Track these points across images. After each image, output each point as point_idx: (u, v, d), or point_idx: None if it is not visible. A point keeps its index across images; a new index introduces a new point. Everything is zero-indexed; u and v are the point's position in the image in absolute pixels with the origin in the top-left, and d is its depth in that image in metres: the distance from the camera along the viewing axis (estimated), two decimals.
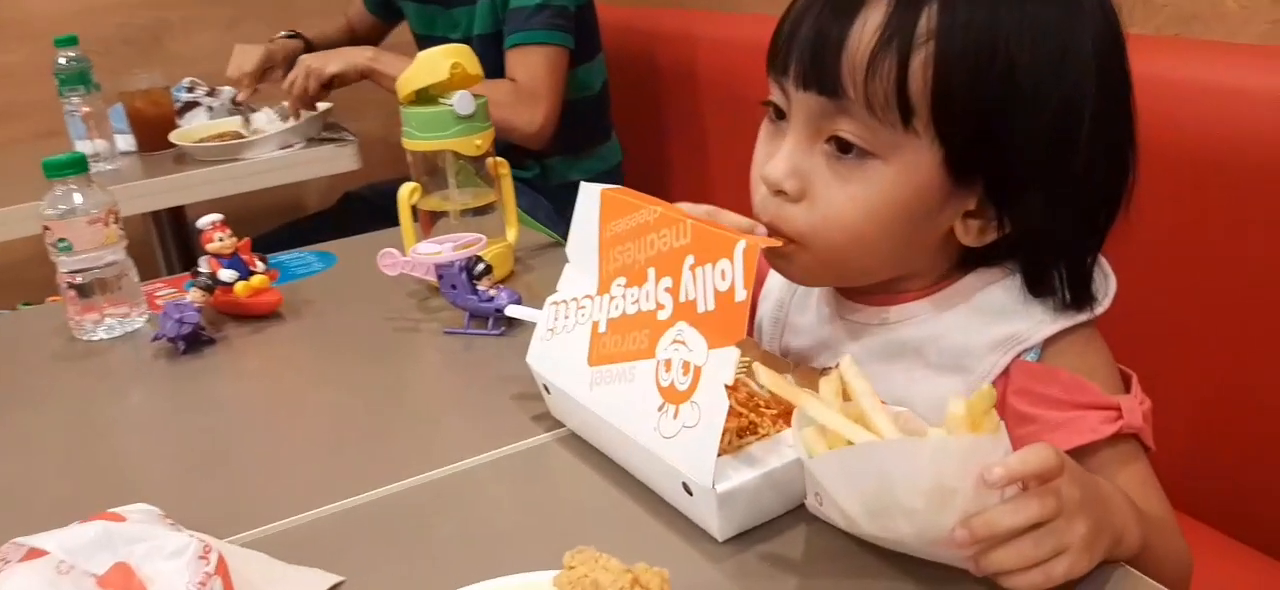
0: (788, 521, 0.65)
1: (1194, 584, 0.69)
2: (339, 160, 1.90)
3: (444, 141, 1.12)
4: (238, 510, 0.73)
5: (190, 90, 2.11)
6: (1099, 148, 0.67)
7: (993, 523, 0.52)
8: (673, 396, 0.64)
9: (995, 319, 0.71)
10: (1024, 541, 0.53)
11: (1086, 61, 0.65)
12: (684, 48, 1.96)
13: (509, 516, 0.72)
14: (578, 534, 0.58)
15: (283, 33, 2.18)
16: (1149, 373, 0.73)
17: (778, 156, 0.71)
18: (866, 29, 0.65)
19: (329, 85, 1.84)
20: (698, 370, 0.63)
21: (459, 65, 1.13)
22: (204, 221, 1.11)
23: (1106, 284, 0.72)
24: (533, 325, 0.83)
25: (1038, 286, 0.71)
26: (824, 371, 0.70)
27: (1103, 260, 0.73)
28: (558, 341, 0.78)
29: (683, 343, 0.65)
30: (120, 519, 0.60)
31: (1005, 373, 0.70)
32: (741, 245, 0.61)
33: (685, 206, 0.74)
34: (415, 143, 1.13)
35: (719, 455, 0.61)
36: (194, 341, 1.05)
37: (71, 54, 1.81)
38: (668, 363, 0.66)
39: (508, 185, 1.19)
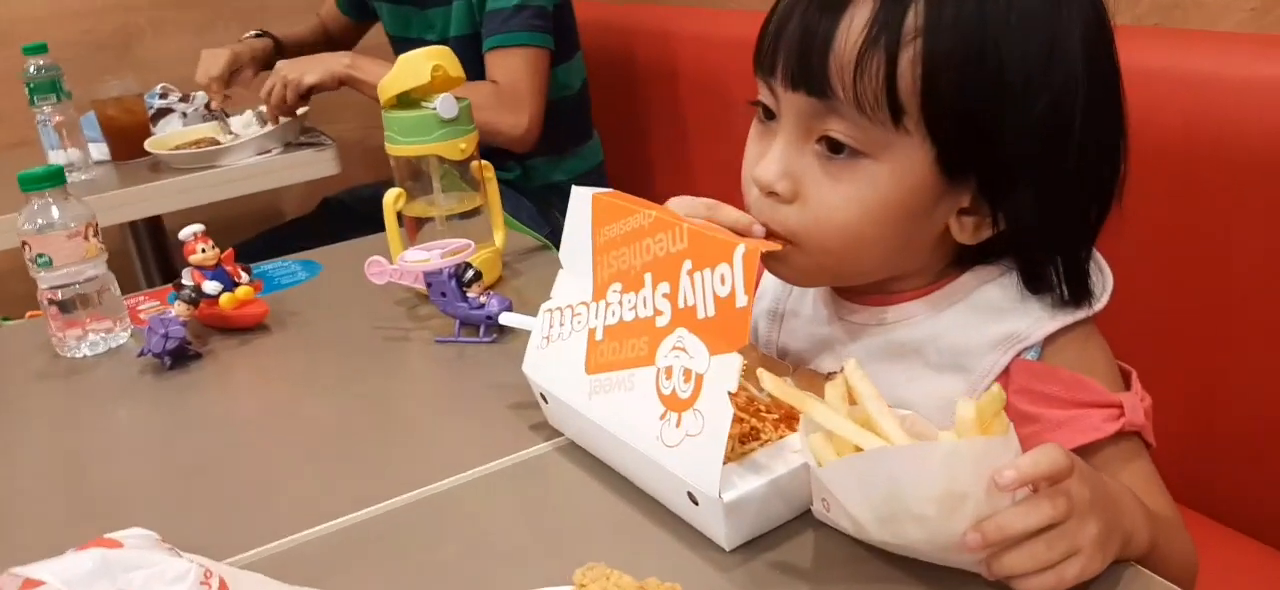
0: (795, 527, 0.65)
1: None
2: (318, 165, 1.88)
3: (428, 146, 1.10)
4: (234, 530, 0.72)
5: (163, 96, 2.08)
6: (1090, 140, 0.67)
7: (1005, 526, 0.52)
8: (675, 404, 0.64)
9: (994, 317, 0.71)
10: (1037, 544, 0.53)
11: (1075, 53, 0.65)
12: (663, 44, 1.94)
13: (513, 530, 0.71)
14: (583, 547, 0.58)
15: (250, 33, 2.14)
16: (1138, 365, 0.73)
17: (769, 158, 0.70)
18: (853, 27, 0.64)
19: (307, 95, 1.81)
20: (700, 378, 0.62)
21: (441, 68, 1.11)
22: (185, 233, 1.09)
23: (1104, 280, 0.72)
24: (525, 332, 0.82)
25: (1034, 283, 0.71)
26: (828, 376, 0.70)
27: (1098, 256, 0.73)
28: (554, 349, 0.77)
29: (683, 349, 0.64)
30: (118, 545, 0.58)
31: (1006, 371, 0.70)
32: (741, 249, 0.61)
33: (683, 201, 0.73)
34: (399, 148, 1.12)
35: (723, 463, 0.60)
36: (180, 356, 1.04)
37: (41, 62, 1.78)
38: (668, 370, 0.65)
39: (493, 189, 1.18)
